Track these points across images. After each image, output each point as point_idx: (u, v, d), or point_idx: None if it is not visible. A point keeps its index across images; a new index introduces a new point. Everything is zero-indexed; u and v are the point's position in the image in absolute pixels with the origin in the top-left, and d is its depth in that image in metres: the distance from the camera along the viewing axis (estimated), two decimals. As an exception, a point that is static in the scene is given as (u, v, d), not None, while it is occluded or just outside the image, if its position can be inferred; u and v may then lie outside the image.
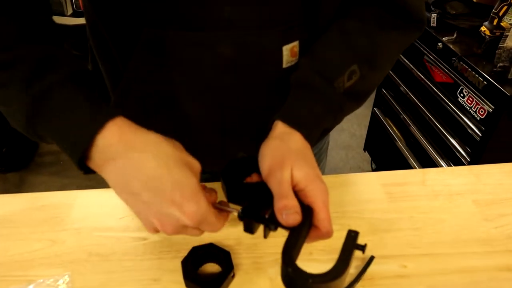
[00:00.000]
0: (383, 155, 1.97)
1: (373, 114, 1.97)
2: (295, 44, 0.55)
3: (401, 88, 1.66)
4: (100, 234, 0.63)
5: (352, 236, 0.45)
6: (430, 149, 1.51)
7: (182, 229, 0.41)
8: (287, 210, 0.42)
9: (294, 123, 0.50)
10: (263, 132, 0.55)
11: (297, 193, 0.44)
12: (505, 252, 0.60)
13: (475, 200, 0.68)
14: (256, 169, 0.49)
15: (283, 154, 0.46)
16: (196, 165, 0.44)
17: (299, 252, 0.44)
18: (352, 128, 2.44)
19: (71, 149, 0.40)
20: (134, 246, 0.61)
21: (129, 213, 0.66)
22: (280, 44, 0.54)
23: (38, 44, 0.45)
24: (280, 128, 0.50)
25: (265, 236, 0.46)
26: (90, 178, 0.43)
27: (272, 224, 0.43)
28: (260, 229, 0.47)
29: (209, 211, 0.42)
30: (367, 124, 2.12)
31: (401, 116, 1.67)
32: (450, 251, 0.60)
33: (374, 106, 1.96)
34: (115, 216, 0.66)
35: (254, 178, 0.50)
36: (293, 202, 0.43)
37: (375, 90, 1.94)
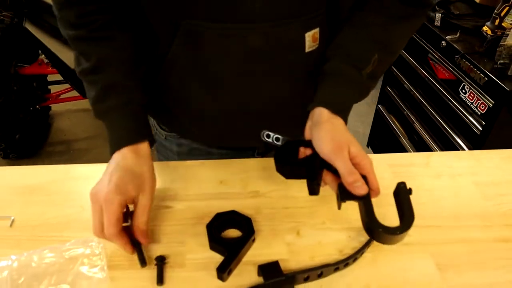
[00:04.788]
0: (386, 151, 2.02)
1: (377, 110, 2.02)
2: (316, 30, 0.61)
3: (405, 85, 1.71)
4: (129, 202, 0.68)
5: (402, 187, 0.57)
6: (432, 145, 1.57)
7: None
8: (358, 183, 0.54)
9: (337, 109, 0.59)
10: (287, 114, 0.66)
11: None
12: (501, 226, 0.65)
13: (475, 181, 0.74)
14: (295, 150, 0.61)
15: (340, 136, 0.57)
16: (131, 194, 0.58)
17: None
18: (355, 126, 2.49)
19: (110, 147, 0.62)
20: (160, 213, 0.66)
21: (155, 184, 0.71)
22: (303, 31, 0.60)
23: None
24: (325, 114, 0.59)
25: (339, 207, 0.57)
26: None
27: (346, 197, 0.55)
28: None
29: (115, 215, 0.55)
30: (370, 122, 2.17)
31: (405, 112, 1.73)
32: (452, 224, 0.65)
33: (378, 103, 2.02)
34: (142, 187, 0.71)
35: (307, 151, 0.60)
36: (360, 176, 0.54)
37: (380, 88, 1.99)
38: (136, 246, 0.57)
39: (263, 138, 0.64)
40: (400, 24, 0.64)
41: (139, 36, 0.65)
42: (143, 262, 0.56)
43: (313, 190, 0.58)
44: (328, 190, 0.60)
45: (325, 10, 0.61)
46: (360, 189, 0.54)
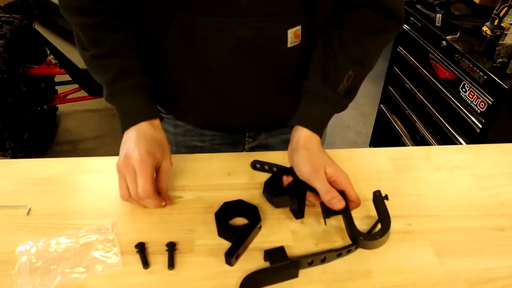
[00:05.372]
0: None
1: (379, 110, 2.05)
2: (298, 28, 0.67)
3: (407, 85, 1.74)
4: (140, 192, 0.71)
5: (377, 195, 0.62)
6: (434, 143, 1.59)
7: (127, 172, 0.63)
8: (335, 199, 0.60)
9: (313, 127, 0.68)
10: (272, 102, 0.76)
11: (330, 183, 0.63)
12: (498, 216, 0.68)
13: (473, 173, 0.76)
14: (279, 180, 0.69)
15: (316, 160, 0.64)
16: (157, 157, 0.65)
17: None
18: (358, 126, 2.52)
19: (124, 123, 0.68)
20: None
21: (165, 176, 0.74)
22: (286, 28, 0.66)
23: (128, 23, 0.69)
24: (302, 138, 0.67)
25: (325, 223, 0.62)
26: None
27: (329, 214, 0.61)
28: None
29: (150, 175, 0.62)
30: (372, 122, 2.20)
31: (406, 111, 1.75)
32: (450, 213, 0.68)
33: (380, 103, 2.04)
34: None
35: (289, 179, 0.68)
36: (337, 193, 0.61)
37: (382, 88, 2.02)
38: (141, 251, 0.60)
39: (252, 168, 0.74)
40: (374, 38, 0.70)
41: (142, 28, 0.71)
42: (145, 264, 0.59)
43: (297, 214, 0.63)
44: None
45: (304, 10, 0.66)
46: (337, 204, 0.60)
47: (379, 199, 0.63)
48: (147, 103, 0.70)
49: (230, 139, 0.89)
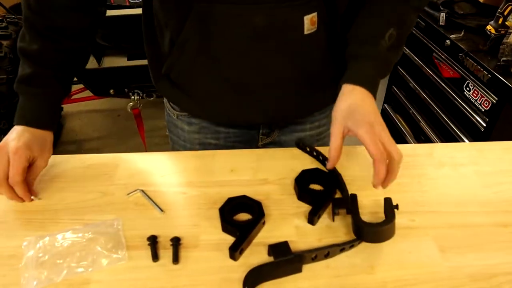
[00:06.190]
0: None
1: (383, 110, 2.05)
2: (314, 14, 0.67)
3: (411, 85, 1.74)
4: (144, 188, 0.71)
5: (389, 201, 0.63)
6: (438, 142, 1.59)
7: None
8: (331, 159, 0.65)
9: (355, 81, 0.67)
10: (288, 93, 0.74)
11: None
12: (501, 212, 0.68)
13: (476, 171, 0.76)
14: (314, 177, 0.71)
15: (338, 113, 0.65)
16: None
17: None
18: (361, 126, 2.52)
19: (17, 118, 0.71)
20: (175, 199, 0.70)
21: (170, 172, 0.75)
22: (301, 14, 0.66)
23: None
24: (344, 88, 0.67)
25: (333, 220, 0.65)
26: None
27: (335, 208, 0.64)
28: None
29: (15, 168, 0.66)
30: (376, 122, 2.20)
31: (410, 111, 1.75)
32: (454, 209, 0.68)
33: (384, 102, 2.04)
34: (157, 174, 0.75)
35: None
36: (336, 156, 0.64)
37: (386, 87, 2.02)
38: (152, 244, 0.61)
39: (297, 147, 0.75)
40: (405, 5, 0.70)
41: (87, 48, 0.79)
42: (155, 257, 0.59)
43: (311, 220, 0.65)
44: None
45: None
46: (328, 163, 0.66)
47: (388, 204, 0.63)
48: (45, 113, 0.73)
49: (245, 136, 0.88)
